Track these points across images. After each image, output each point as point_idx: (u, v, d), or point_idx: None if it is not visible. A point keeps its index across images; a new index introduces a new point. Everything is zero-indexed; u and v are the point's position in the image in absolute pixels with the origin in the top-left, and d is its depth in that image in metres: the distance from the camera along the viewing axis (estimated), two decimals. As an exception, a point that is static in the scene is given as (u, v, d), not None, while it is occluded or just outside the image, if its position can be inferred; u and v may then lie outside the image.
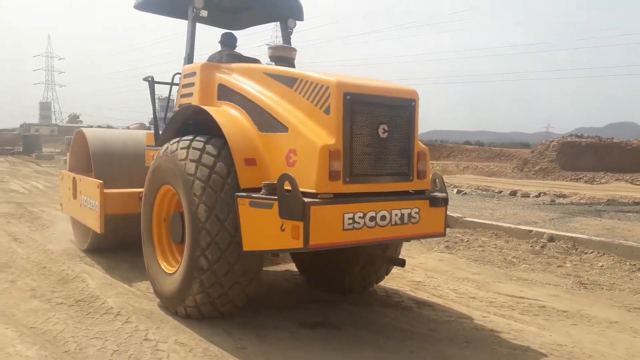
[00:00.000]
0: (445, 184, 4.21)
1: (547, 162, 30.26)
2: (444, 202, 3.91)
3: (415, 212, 3.75)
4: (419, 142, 3.92)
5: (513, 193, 16.18)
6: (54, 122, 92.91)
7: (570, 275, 5.86)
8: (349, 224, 3.41)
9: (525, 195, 15.39)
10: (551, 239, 7.60)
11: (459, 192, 16.24)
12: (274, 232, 3.38)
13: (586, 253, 6.94)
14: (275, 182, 3.35)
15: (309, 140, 3.49)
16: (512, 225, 8.31)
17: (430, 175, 4.08)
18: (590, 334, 4.09)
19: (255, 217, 3.51)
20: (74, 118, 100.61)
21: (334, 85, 3.50)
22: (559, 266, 6.30)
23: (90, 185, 5.57)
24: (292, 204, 3.23)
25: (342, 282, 4.78)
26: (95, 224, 5.35)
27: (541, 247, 7.31)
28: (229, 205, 3.67)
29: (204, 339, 3.65)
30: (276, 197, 3.32)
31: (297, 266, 5.32)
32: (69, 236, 6.87)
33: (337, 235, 3.39)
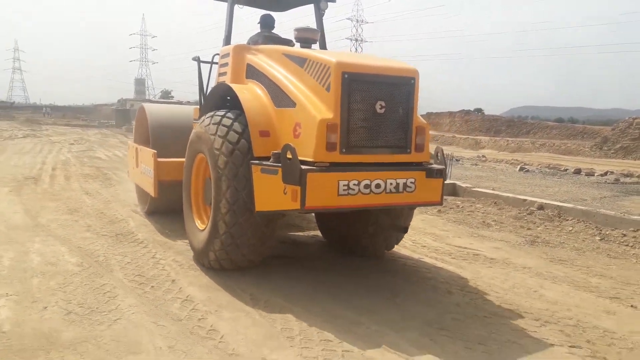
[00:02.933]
0: (456, 158, 4.87)
1: (628, 140, 28.94)
2: (440, 173, 4.18)
3: (411, 182, 4.05)
4: (419, 117, 4.27)
5: (577, 171, 16.04)
6: (147, 97, 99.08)
7: (530, 235, 6.70)
8: (344, 190, 3.78)
9: (590, 173, 15.28)
10: (540, 207, 8.33)
11: (521, 169, 16.34)
12: (278, 195, 3.82)
13: (567, 220, 7.64)
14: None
15: (311, 114, 3.89)
16: (511, 195, 9.09)
17: (434, 149, 4.48)
18: (495, 273, 5.05)
19: (264, 182, 3.99)
20: (166, 94, 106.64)
21: (334, 65, 3.87)
22: (528, 229, 7.12)
23: (147, 155, 6.26)
24: (291, 170, 3.65)
25: (356, 246, 5.31)
26: (150, 188, 6.09)
27: (528, 213, 8.06)
28: (245, 170, 4.18)
29: (192, 260, 5.03)
30: (280, 165, 3.79)
31: (321, 232, 5.95)
32: (128, 192, 8.57)
33: (331, 200, 3.77)
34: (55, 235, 5.79)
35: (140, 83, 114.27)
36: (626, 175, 15.19)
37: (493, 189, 10.00)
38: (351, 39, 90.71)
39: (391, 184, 3.96)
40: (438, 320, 3.79)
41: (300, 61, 4.30)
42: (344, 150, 3.87)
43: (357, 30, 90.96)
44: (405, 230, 5.15)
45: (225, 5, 5.99)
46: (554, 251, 5.98)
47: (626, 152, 28.15)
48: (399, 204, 4.23)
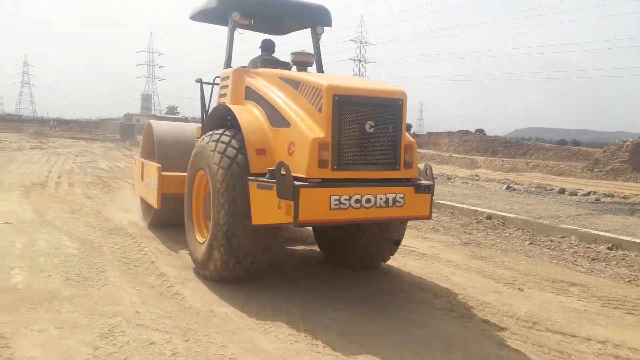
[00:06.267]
0: (448, 176, 4.70)
1: (618, 162, 29.73)
2: (428, 189, 4.44)
3: (400, 197, 4.27)
4: (407, 135, 4.51)
5: (562, 191, 16.23)
6: (153, 113, 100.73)
7: (468, 238, 7.74)
8: (335, 204, 4.00)
9: (573, 193, 15.55)
10: (489, 217, 9.38)
11: (507, 188, 16.63)
12: (273, 209, 4.05)
13: (509, 228, 8.68)
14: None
15: (304, 133, 4.13)
16: (465, 206, 10.15)
17: (423, 165, 4.85)
18: (420, 264, 6.10)
19: (260, 196, 4.21)
20: (172, 110, 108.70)
21: (325, 88, 4.14)
22: (469, 234, 8.16)
23: (152, 169, 6.53)
24: (285, 186, 3.89)
25: (351, 259, 5.56)
26: (154, 201, 6.38)
27: (477, 222, 9.11)
28: (243, 186, 4.37)
29: (173, 248, 6.10)
30: (275, 181, 4.05)
31: (318, 245, 6.16)
32: (124, 198, 9.70)
33: (323, 214, 3.99)
34: (59, 228, 6.89)
35: (146, 99, 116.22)
36: (607, 196, 15.55)
37: (473, 205, 10.41)
38: (355, 60, 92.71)
39: (381, 198, 4.19)
40: (357, 295, 4.83)
41: (295, 84, 4.58)
42: (336, 167, 4.12)
43: (360, 51, 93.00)
44: (398, 243, 5.48)
45: (226, 29, 6.05)
46: (481, 250, 7.02)
47: (616, 174, 28.85)
48: (389, 218, 4.46)
